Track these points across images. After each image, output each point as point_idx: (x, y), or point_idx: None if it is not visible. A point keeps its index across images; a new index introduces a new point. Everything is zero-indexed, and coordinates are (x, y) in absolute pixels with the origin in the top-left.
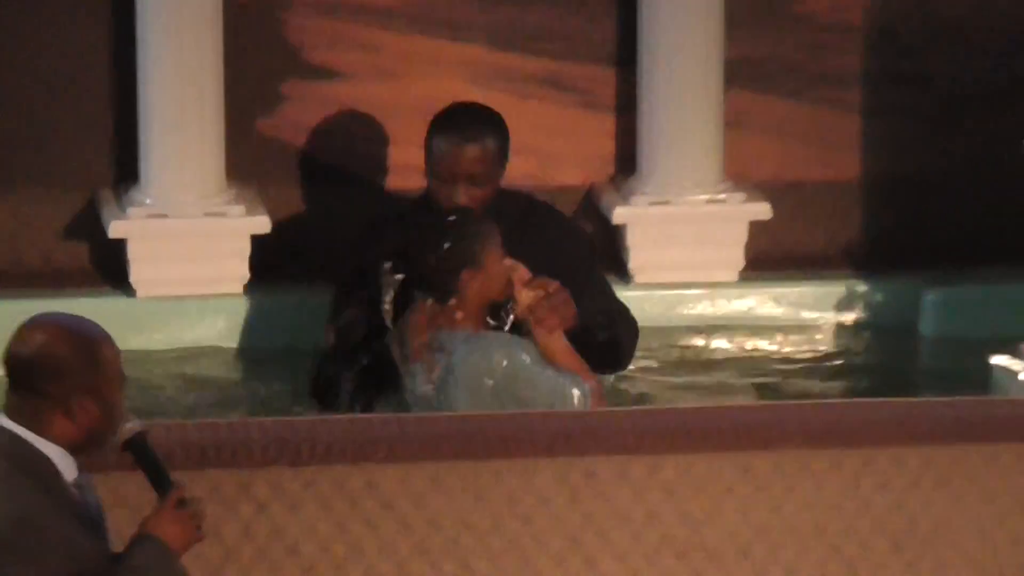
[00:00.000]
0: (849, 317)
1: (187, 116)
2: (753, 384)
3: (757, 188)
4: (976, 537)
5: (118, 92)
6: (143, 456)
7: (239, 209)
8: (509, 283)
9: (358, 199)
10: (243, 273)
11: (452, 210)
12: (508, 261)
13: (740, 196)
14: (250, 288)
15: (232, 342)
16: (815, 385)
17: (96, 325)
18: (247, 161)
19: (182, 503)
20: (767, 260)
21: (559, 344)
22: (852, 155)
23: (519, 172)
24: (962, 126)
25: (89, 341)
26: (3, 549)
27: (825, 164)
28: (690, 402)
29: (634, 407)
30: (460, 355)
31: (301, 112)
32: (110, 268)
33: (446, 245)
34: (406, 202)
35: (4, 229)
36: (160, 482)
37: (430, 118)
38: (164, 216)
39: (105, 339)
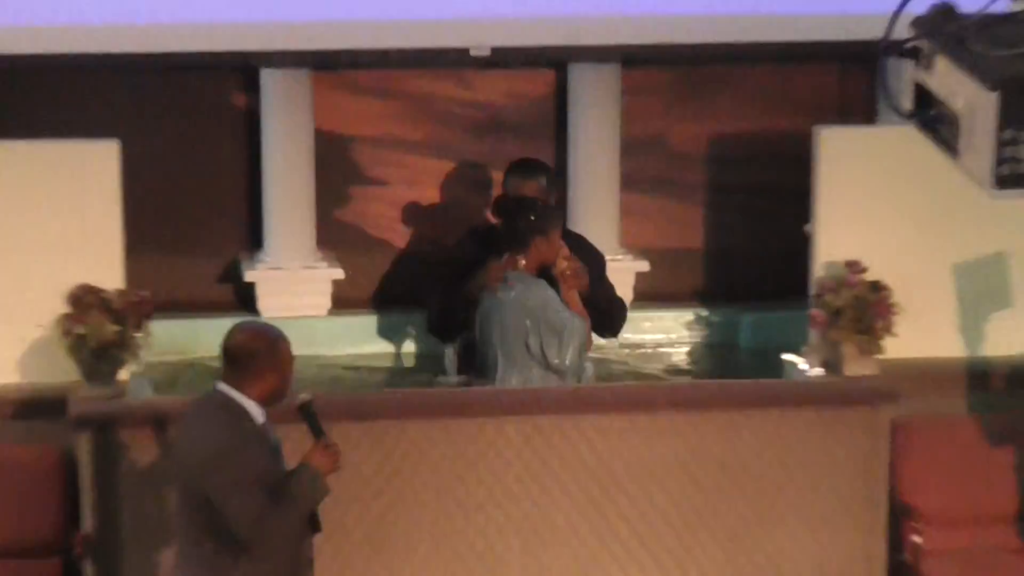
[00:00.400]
0: (697, 333)
1: (292, 208)
2: (638, 372)
3: (641, 252)
4: (780, 467)
5: (250, 194)
6: (308, 414)
7: (324, 265)
8: (555, 258)
9: (397, 258)
10: (326, 303)
11: (539, 199)
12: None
13: (630, 257)
14: (330, 313)
15: (319, 346)
16: (676, 373)
17: (277, 328)
18: (329, 236)
19: (328, 446)
20: (646, 296)
21: (573, 297)
22: (698, 233)
23: None
24: (764, 215)
25: (272, 338)
26: (217, 459)
27: (681, 238)
28: (598, 384)
29: (560, 386)
30: (518, 286)
31: (361, 206)
32: (246, 300)
33: (533, 216)
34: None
35: (182, 276)
36: (316, 431)
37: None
38: (279, 268)
39: (282, 337)
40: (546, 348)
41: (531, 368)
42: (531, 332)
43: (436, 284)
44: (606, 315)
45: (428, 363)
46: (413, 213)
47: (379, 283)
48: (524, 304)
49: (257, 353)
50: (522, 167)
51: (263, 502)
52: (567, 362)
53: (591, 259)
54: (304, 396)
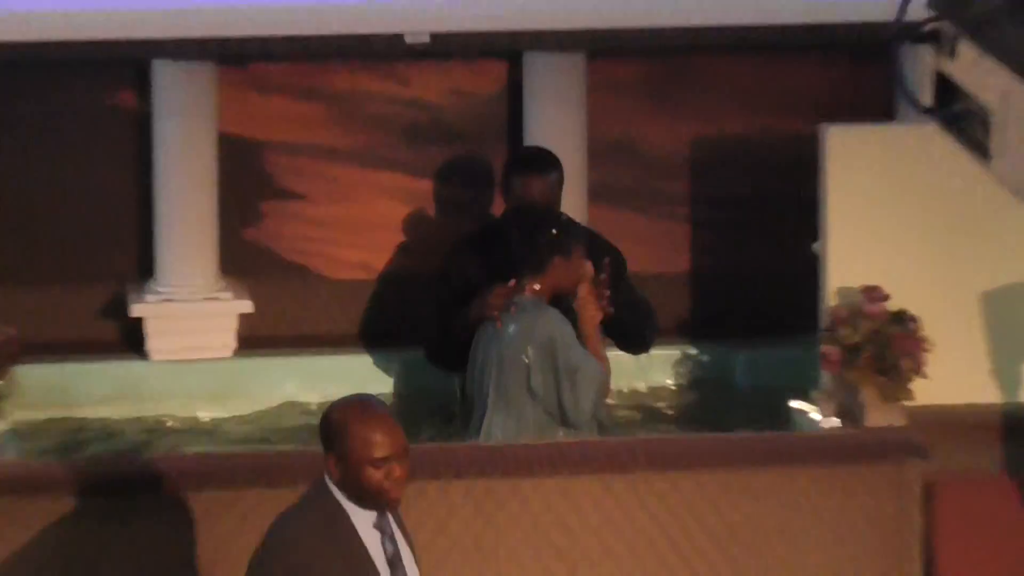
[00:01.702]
0: (683, 373)
1: (190, 228)
2: (615, 422)
3: None
4: (785, 538)
5: (140, 211)
6: None
7: (229, 295)
8: (575, 283)
9: (318, 287)
10: (231, 343)
11: (560, 213)
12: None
13: None
14: (236, 354)
15: (224, 394)
16: (659, 425)
17: (371, 406)
18: (236, 260)
19: None
20: None
21: (591, 330)
22: (680, 255)
23: None
24: (761, 233)
25: (345, 418)
26: (268, 556)
27: (660, 261)
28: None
29: (527, 442)
30: (525, 315)
31: (275, 224)
32: (132, 340)
33: (555, 231)
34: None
35: (52, 311)
36: None
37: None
38: (173, 301)
39: (363, 419)
40: (561, 394)
41: (525, 411)
42: (535, 371)
43: (436, 304)
44: (632, 335)
45: None
46: (335, 232)
47: (296, 316)
48: (530, 338)
49: (324, 434)
50: (529, 162)
51: None
52: (583, 412)
53: (612, 264)
54: None
